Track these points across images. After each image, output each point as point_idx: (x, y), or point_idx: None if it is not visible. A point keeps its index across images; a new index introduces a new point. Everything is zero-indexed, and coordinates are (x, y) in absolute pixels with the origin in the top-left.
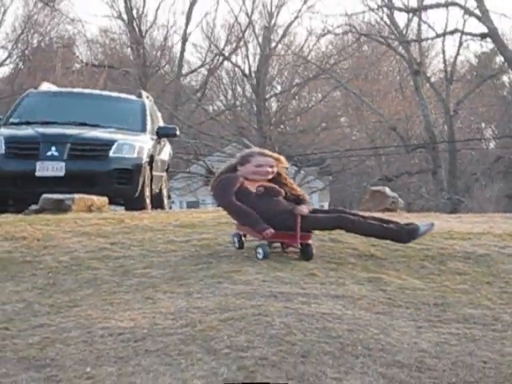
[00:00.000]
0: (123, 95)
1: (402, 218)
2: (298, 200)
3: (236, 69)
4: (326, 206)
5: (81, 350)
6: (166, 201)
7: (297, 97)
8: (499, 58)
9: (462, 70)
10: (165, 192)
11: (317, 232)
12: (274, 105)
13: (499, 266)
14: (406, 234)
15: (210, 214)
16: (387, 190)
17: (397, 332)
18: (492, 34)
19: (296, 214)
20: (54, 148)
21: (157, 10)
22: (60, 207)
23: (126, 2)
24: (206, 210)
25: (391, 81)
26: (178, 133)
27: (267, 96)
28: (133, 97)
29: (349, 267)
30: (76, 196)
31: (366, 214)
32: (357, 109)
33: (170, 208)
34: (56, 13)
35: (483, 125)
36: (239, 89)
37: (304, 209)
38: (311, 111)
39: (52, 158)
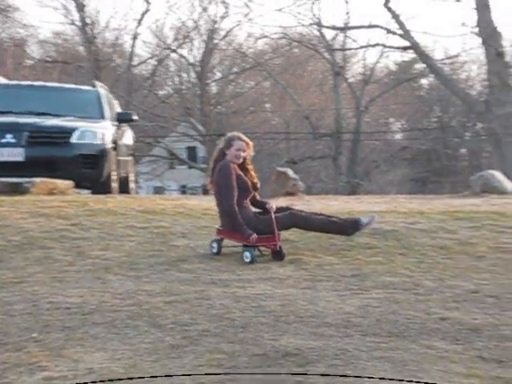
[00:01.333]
0: (78, 86)
1: (303, 200)
2: (255, 188)
3: (182, 59)
4: None
5: (26, 320)
6: (132, 185)
7: (233, 83)
8: (419, 66)
9: (380, 75)
10: (131, 177)
11: None
12: (214, 89)
13: (411, 240)
14: (351, 226)
15: (171, 201)
16: (290, 172)
17: (323, 301)
18: (414, 47)
19: (269, 208)
20: (10, 135)
21: (110, 18)
22: (17, 190)
23: (79, 11)
24: (169, 197)
25: (314, 78)
26: (135, 117)
27: (209, 81)
28: (88, 87)
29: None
30: (37, 180)
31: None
32: (281, 98)
33: (137, 193)
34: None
35: (392, 119)
36: (185, 75)
37: (273, 204)
38: (243, 96)
39: (8, 145)
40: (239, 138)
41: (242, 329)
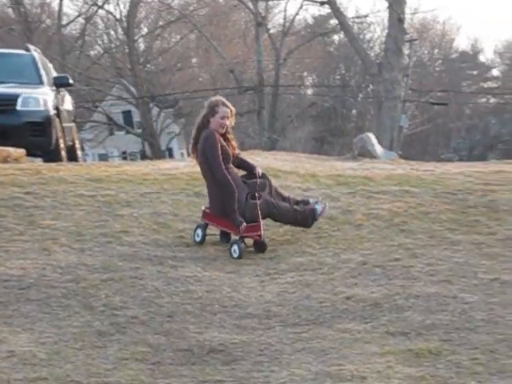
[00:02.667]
0: (12, 50)
1: None
2: (237, 160)
3: (109, 15)
4: (185, 153)
5: None
6: (79, 153)
7: (159, 38)
8: (333, 21)
9: (298, 27)
10: (77, 144)
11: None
12: (141, 45)
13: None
14: (311, 218)
15: (115, 168)
16: None
17: (245, 288)
18: (330, 2)
19: (257, 173)
20: None
21: None
22: None
23: None
24: (113, 164)
25: (237, 29)
26: (71, 81)
27: (136, 37)
28: (22, 51)
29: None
30: None
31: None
32: (206, 51)
33: (85, 160)
34: None
35: (305, 73)
36: (113, 33)
37: (259, 169)
38: (170, 52)
39: None
40: (223, 104)
41: (169, 318)
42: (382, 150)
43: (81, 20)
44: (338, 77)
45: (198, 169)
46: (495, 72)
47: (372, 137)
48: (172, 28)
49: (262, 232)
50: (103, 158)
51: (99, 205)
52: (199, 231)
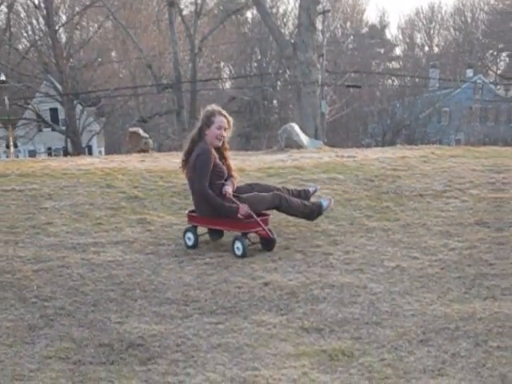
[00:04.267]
0: None
1: (153, 157)
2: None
3: (29, 2)
4: (103, 151)
5: None
6: (12, 149)
7: (79, 27)
8: None
9: (211, 3)
10: (10, 141)
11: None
12: (63, 36)
13: None
14: (317, 211)
15: (39, 163)
16: (141, 131)
17: (165, 270)
18: None
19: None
20: None
21: None
22: None
23: None
24: (38, 160)
25: (150, 13)
26: (3, 77)
27: (56, 27)
28: None
29: (122, 211)
30: None
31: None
32: (123, 42)
33: (17, 156)
34: None
35: (222, 64)
36: (35, 22)
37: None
38: (90, 44)
39: None
40: (220, 113)
41: (93, 307)
42: (307, 139)
43: (4, 9)
44: (255, 64)
45: (113, 165)
46: (398, 51)
47: (296, 126)
48: (89, 15)
49: (269, 226)
50: (32, 154)
51: (27, 199)
52: (190, 235)
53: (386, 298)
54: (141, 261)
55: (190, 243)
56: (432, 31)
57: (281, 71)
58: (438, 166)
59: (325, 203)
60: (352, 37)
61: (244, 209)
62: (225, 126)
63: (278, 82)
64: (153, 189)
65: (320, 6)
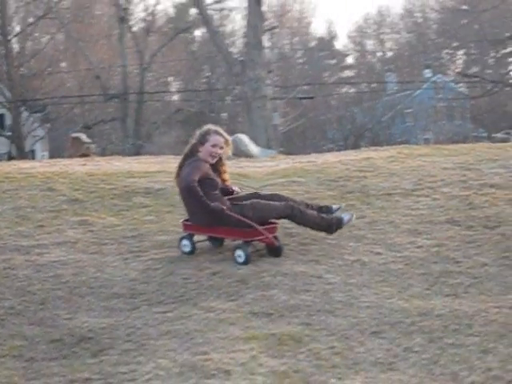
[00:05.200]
0: None
1: (94, 161)
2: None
3: None
4: (46, 155)
5: None
6: None
7: (30, 37)
8: (194, 10)
9: (160, 21)
10: None
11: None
12: (16, 46)
13: (175, 198)
14: (335, 224)
15: None
16: (83, 137)
17: (110, 267)
18: None
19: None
20: None
21: None
22: None
23: None
24: None
25: (102, 26)
26: None
27: (10, 37)
28: None
29: (64, 213)
30: None
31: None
32: (74, 54)
33: None
34: None
35: (170, 79)
36: None
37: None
38: (42, 54)
39: None
40: (217, 133)
41: (42, 305)
42: (258, 149)
43: None
44: (204, 80)
45: (54, 169)
46: (349, 60)
47: (244, 137)
48: (42, 27)
49: (275, 234)
50: None
51: None
52: (185, 242)
53: (341, 289)
54: (85, 260)
55: (186, 250)
56: (383, 36)
57: (230, 87)
58: (406, 165)
59: (346, 217)
60: (301, 51)
61: (219, 207)
62: (221, 144)
63: (228, 97)
64: (94, 191)
65: (267, 23)
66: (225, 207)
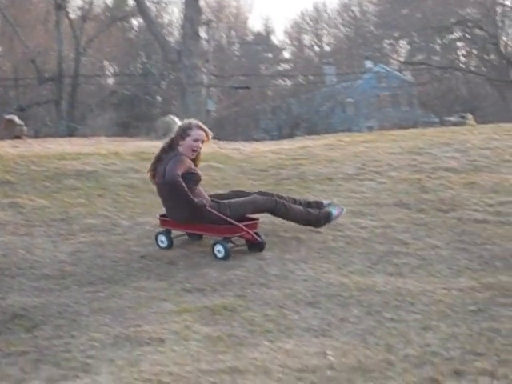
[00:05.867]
0: None
1: (26, 143)
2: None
3: None
4: None
5: None
6: None
7: None
8: (132, 1)
9: (97, 9)
10: None
11: None
12: None
13: (108, 180)
14: (323, 218)
15: None
16: (16, 119)
17: (39, 249)
18: None
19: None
20: None
21: None
22: None
23: None
24: None
25: (39, 13)
26: None
27: None
28: None
29: None
30: None
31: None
32: (10, 39)
33: None
34: None
35: (106, 63)
36: None
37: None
38: None
39: None
40: (198, 127)
41: None
42: None
43: None
44: (140, 65)
45: None
46: (286, 54)
47: (176, 118)
48: None
49: (256, 230)
50: None
51: None
52: (162, 237)
53: (276, 264)
54: (15, 242)
55: (163, 245)
56: (320, 32)
57: (166, 73)
58: (347, 151)
59: (335, 211)
60: (238, 45)
61: (202, 203)
62: (203, 138)
63: (163, 82)
64: (25, 173)
65: (203, 17)
66: (207, 204)
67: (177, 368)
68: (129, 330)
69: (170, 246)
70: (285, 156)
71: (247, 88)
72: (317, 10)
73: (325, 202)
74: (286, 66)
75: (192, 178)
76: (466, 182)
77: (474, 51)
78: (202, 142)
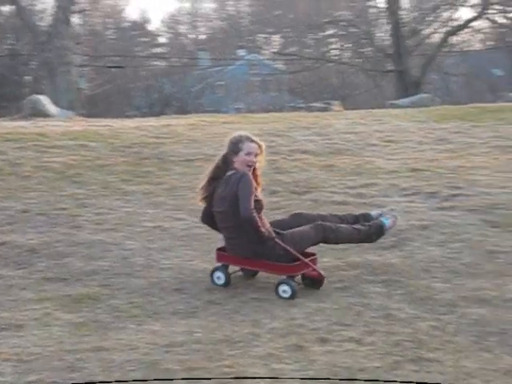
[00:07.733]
0: None
1: None
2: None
3: None
4: None
5: None
6: None
7: None
8: None
9: None
10: None
11: None
12: None
13: None
14: (375, 233)
15: None
16: None
17: None
18: None
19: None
20: None
21: None
22: None
23: None
24: None
25: None
26: None
27: None
28: None
29: None
30: None
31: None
32: None
33: None
34: None
35: None
36: None
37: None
38: None
39: None
40: (248, 139)
41: None
42: (57, 110)
43: None
44: (8, 46)
45: None
46: (162, 39)
47: (43, 98)
48: None
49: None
50: None
51: None
52: (219, 274)
53: (141, 253)
54: None
55: (220, 282)
56: (196, 24)
57: (35, 53)
58: (209, 132)
59: (387, 222)
60: (113, 30)
61: (267, 233)
62: (256, 151)
63: (33, 62)
64: None
65: (77, 6)
66: (274, 236)
67: (39, 349)
68: None
69: (227, 283)
70: (149, 133)
71: (121, 67)
72: (193, 7)
73: (372, 213)
74: (161, 50)
75: (256, 206)
76: (324, 164)
77: (349, 45)
78: (256, 155)
